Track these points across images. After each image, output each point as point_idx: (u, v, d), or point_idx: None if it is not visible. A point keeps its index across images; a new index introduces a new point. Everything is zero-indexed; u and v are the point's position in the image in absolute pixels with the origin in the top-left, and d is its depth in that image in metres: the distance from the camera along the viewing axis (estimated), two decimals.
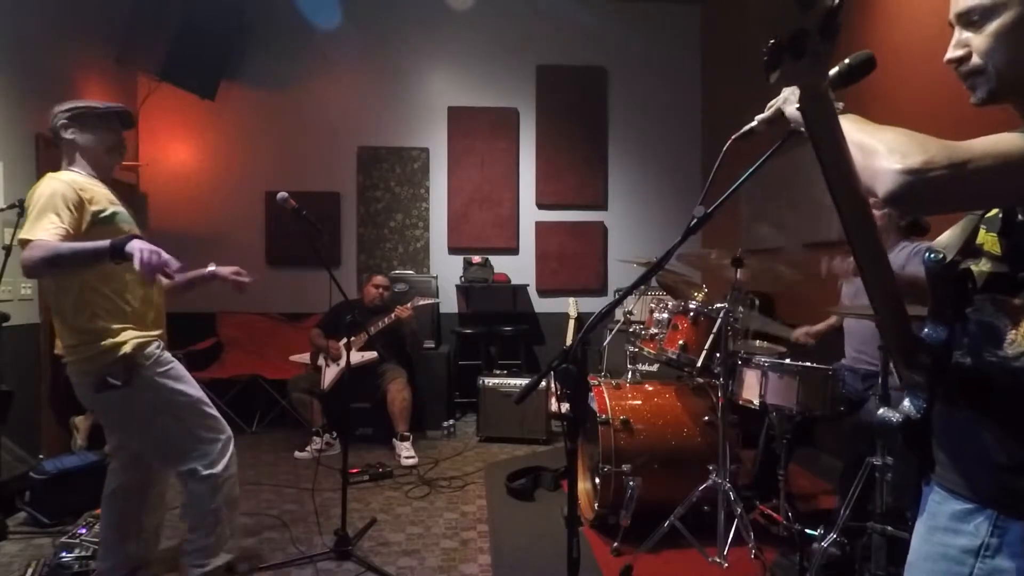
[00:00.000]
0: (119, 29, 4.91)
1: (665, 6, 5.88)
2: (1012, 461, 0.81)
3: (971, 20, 0.87)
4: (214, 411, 2.30)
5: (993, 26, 0.85)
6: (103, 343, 2.02)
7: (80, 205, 2.00)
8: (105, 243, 1.83)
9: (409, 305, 4.46)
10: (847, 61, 0.99)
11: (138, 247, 1.78)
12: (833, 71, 1.00)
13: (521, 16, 5.78)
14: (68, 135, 2.11)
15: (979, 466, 0.85)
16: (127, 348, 2.05)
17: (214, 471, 2.17)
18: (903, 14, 3.33)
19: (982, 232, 0.92)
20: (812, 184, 4.09)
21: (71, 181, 2.03)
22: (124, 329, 2.08)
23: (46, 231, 1.89)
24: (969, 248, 0.93)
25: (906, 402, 0.91)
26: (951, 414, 0.89)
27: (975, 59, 0.88)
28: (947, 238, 0.97)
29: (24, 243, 1.88)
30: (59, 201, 1.94)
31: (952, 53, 0.91)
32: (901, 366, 0.92)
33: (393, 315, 4.40)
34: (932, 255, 0.92)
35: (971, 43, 0.88)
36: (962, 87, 0.94)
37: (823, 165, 0.76)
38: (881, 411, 0.93)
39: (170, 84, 4.94)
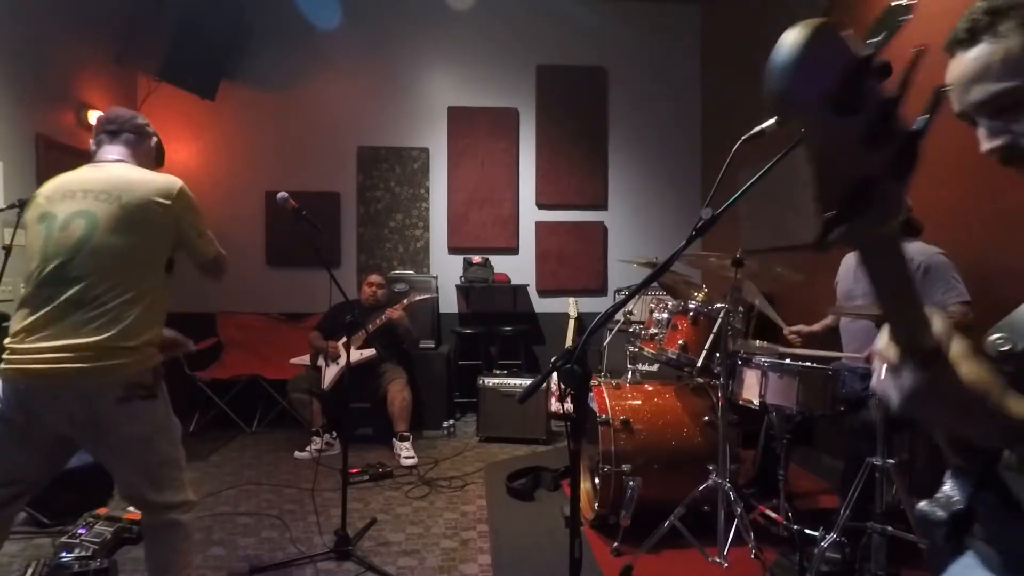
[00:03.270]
0: (119, 29, 4.91)
1: (665, 6, 5.88)
2: None
3: (1002, 107, 0.77)
4: None
5: None
6: (147, 350, 1.93)
7: None
8: None
9: (399, 305, 4.46)
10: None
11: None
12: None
13: (521, 16, 5.78)
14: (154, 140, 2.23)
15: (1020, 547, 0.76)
16: (160, 357, 2.00)
17: (191, 505, 2.02)
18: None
19: None
20: (811, 185, 4.09)
21: None
22: (159, 337, 2.05)
23: None
24: None
25: (948, 487, 0.80)
26: (997, 497, 0.78)
27: None
28: (1020, 317, 0.78)
29: (219, 261, 2.12)
30: None
31: (992, 143, 0.79)
32: (946, 447, 0.80)
33: (384, 316, 4.40)
34: (998, 341, 0.75)
35: (1014, 128, 0.77)
36: None
37: (886, 311, 0.61)
38: (922, 505, 0.79)
39: (170, 84, 4.94)
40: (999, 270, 2.60)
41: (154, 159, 2.24)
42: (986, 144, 0.80)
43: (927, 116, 0.49)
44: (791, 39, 0.41)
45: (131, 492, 1.96)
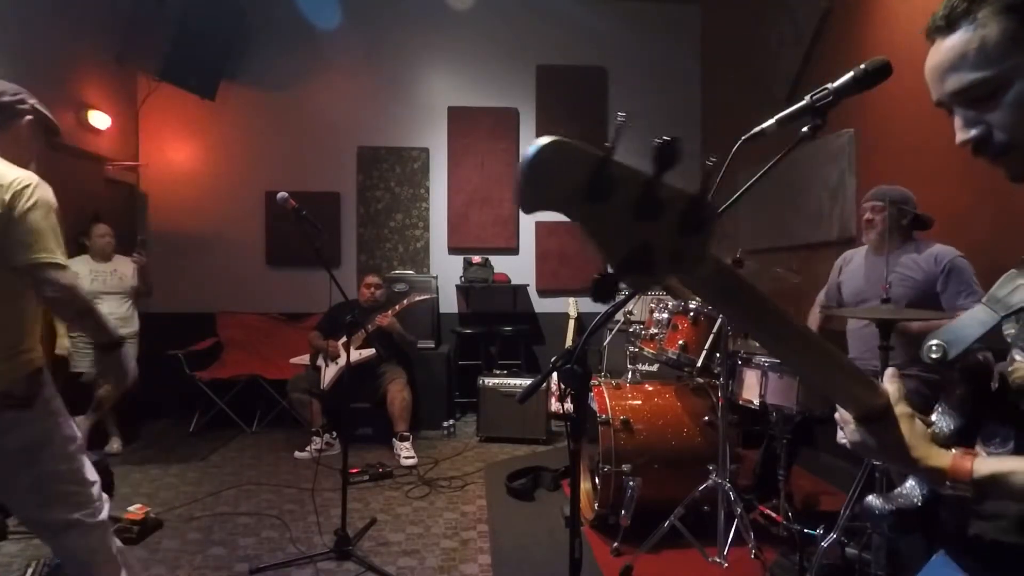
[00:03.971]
0: (119, 29, 4.91)
1: (665, 6, 5.88)
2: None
3: (976, 97, 0.76)
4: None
5: (1011, 96, 0.73)
6: (24, 356, 1.68)
7: None
8: (114, 332, 1.72)
9: (389, 312, 4.45)
10: (863, 66, 0.98)
11: (128, 360, 1.74)
12: (848, 76, 0.99)
13: (521, 16, 5.78)
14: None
15: (998, 548, 0.79)
16: (39, 362, 1.72)
17: (101, 517, 1.79)
18: (909, 16, 3.33)
19: None
20: (811, 185, 4.10)
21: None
22: (35, 342, 1.76)
23: (64, 253, 1.66)
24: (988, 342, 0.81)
25: (908, 484, 0.85)
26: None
27: (1000, 136, 0.76)
28: (960, 329, 0.82)
29: (48, 267, 1.60)
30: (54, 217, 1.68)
31: (967, 134, 0.78)
32: None
33: (375, 323, 4.38)
34: (932, 348, 0.80)
35: (987, 119, 0.76)
36: None
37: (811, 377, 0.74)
38: (870, 498, 0.86)
39: (170, 84, 4.94)
40: (1008, 271, 2.59)
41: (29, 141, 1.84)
42: (960, 135, 0.79)
43: (710, 182, 0.59)
44: (527, 155, 0.50)
45: (21, 513, 1.82)
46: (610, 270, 0.57)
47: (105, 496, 1.85)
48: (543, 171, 0.52)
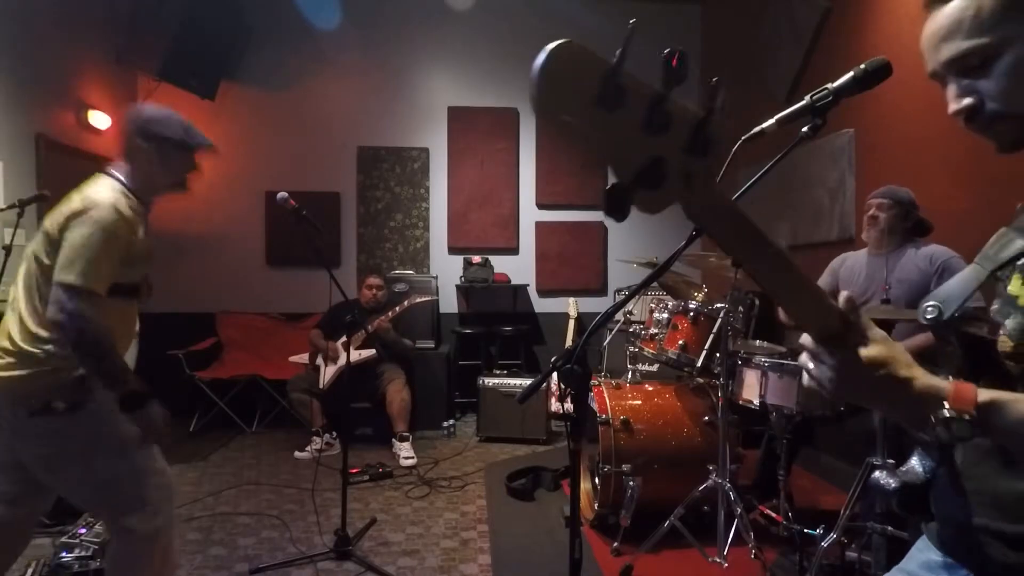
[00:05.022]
0: (119, 29, 4.91)
1: (665, 6, 5.88)
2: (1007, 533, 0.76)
3: (969, 66, 0.76)
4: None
5: (1003, 65, 0.73)
6: (58, 361, 1.67)
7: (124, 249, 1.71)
8: (130, 384, 1.68)
9: (385, 318, 4.45)
10: (863, 67, 0.98)
11: (156, 416, 1.71)
12: (848, 76, 0.99)
13: (521, 16, 5.78)
14: (145, 144, 1.84)
15: (969, 528, 0.80)
16: (77, 371, 1.70)
17: (156, 523, 1.81)
18: (909, 16, 3.33)
19: (1017, 281, 0.79)
20: (811, 185, 4.10)
21: (125, 209, 1.72)
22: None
23: (99, 281, 1.63)
24: (979, 301, 0.80)
25: (914, 461, 0.84)
26: (948, 473, 0.83)
27: (991, 105, 0.75)
28: (952, 287, 0.82)
29: (68, 288, 1.58)
30: (113, 246, 1.66)
31: (959, 104, 0.78)
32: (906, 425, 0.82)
33: (373, 325, 4.36)
34: (928, 308, 0.80)
35: (979, 88, 0.76)
36: None
37: (776, 295, 0.68)
38: (877, 474, 0.87)
39: (170, 84, 4.93)
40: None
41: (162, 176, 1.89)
42: (953, 105, 0.79)
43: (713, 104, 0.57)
44: (540, 55, 0.49)
45: (89, 509, 1.92)
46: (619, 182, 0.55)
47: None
48: (557, 73, 0.50)
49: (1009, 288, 0.79)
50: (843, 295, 0.69)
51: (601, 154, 0.54)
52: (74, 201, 1.70)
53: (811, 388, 0.73)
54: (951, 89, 0.79)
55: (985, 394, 0.67)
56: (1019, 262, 0.79)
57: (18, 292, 1.73)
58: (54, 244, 1.66)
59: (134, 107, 1.93)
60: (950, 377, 0.70)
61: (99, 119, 4.71)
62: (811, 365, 0.72)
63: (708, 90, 0.59)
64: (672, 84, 0.54)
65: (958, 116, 0.79)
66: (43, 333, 1.67)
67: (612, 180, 0.56)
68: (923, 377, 0.69)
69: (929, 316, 0.80)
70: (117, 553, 1.81)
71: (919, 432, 0.77)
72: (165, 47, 4.82)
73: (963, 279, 0.82)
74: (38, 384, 1.66)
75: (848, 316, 0.68)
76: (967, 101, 0.77)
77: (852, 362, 0.68)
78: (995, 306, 0.81)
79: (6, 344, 1.68)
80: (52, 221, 1.69)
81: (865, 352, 0.68)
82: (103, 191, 1.72)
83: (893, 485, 0.83)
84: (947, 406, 0.66)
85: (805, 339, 0.71)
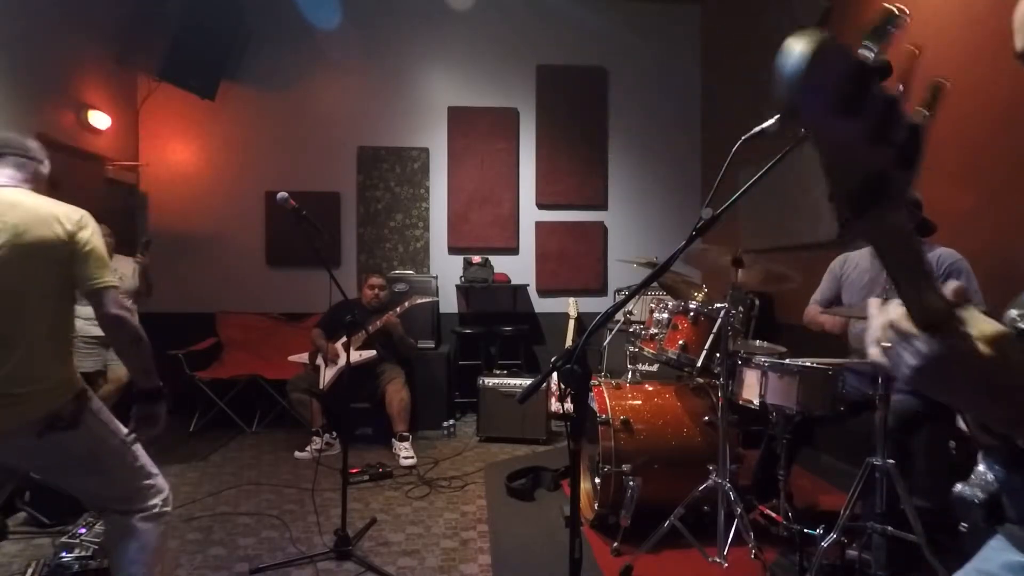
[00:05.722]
0: (119, 29, 4.91)
1: (665, 6, 5.88)
2: None
3: None
4: None
5: None
6: (58, 382, 1.78)
7: None
8: (156, 379, 1.86)
9: (393, 313, 4.46)
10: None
11: (161, 414, 1.86)
12: None
13: (521, 16, 5.78)
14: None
15: None
16: (80, 384, 1.83)
17: (168, 508, 1.97)
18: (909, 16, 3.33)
19: None
20: (811, 185, 4.10)
21: None
22: (73, 368, 1.89)
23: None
24: None
25: (981, 468, 0.79)
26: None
27: None
28: None
29: (111, 290, 1.76)
30: None
31: None
32: (974, 426, 0.77)
33: (379, 322, 4.39)
34: (1018, 317, 0.74)
35: None
36: (975, 81, 0.83)
37: (902, 287, 0.61)
38: (959, 487, 0.79)
39: (170, 84, 4.94)
40: (1017, 274, 2.58)
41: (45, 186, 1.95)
42: None
43: (927, 110, 0.52)
44: (798, 50, 0.44)
45: (94, 505, 1.99)
46: (841, 208, 0.50)
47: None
48: (821, 71, 0.44)
49: None
50: (951, 284, 0.62)
51: (825, 162, 0.49)
52: (62, 213, 1.77)
53: (885, 364, 0.65)
54: None
55: None
56: None
57: (16, 328, 1.73)
58: (64, 256, 1.74)
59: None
60: None
61: (99, 119, 4.71)
62: (893, 346, 0.64)
63: (933, 91, 0.54)
64: (909, 84, 0.48)
65: None
66: (55, 361, 1.78)
67: (835, 202, 0.51)
68: None
69: (1020, 326, 0.74)
70: (144, 537, 1.89)
71: (984, 434, 0.72)
72: (165, 47, 4.83)
73: None
74: (44, 410, 1.73)
75: (953, 306, 0.61)
76: None
77: (959, 348, 0.60)
78: None
79: (13, 387, 1.70)
80: (49, 234, 1.72)
81: (972, 341, 0.60)
82: (51, 201, 1.81)
83: (981, 497, 0.76)
84: None
85: (895, 317, 0.63)
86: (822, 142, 0.47)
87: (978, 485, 0.76)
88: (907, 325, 0.62)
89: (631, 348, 3.41)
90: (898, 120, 0.46)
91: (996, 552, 0.85)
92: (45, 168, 1.92)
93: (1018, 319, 0.73)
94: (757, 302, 3.07)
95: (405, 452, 4.15)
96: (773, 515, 2.74)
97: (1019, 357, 0.60)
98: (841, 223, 0.50)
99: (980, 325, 0.60)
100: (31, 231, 1.70)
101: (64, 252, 1.74)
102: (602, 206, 5.88)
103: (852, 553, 2.26)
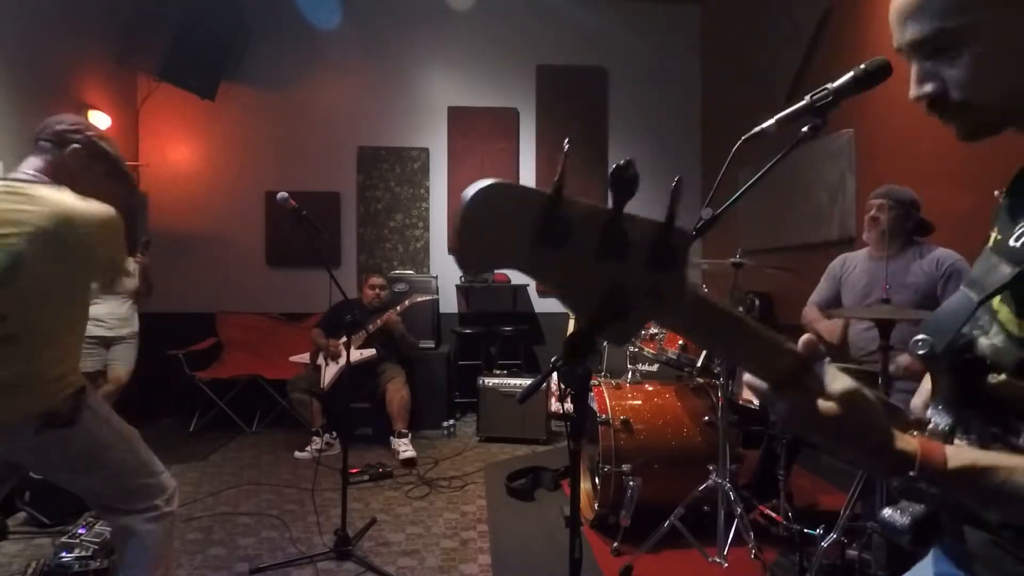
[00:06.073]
0: (119, 29, 4.91)
1: (665, 6, 5.88)
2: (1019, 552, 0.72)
3: (937, 48, 0.70)
4: None
5: (972, 53, 0.67)
6: (59, 380, 1.74)
7: None
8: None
9: (393, 311, 4.46)
10: (863, 67, 0.97)
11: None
12: (848, 76, 0.98)
13: (521, 16, 5.78)
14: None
15: (980, 543, 0.76)
16: (81, 382, 1.79)
17: (172, 507, 1.94)
18: None
19: (997, 303, 0.75)
20: (811, 185, 4.10)
21: None
22: (76, 366, 1.85)
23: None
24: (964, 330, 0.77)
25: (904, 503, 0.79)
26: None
27: (956, 95, 0.70)
28: (942, 318, 0.77)
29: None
30: None
31: (920, 89, 0.72)
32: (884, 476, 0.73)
33: (381, 320, 4.39)
34: (919, 343, 0.75)
35: (944, 75, 0.70)
36: None
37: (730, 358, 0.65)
38: (886, 511, 0.78)
39: (170, 84, 4.94)
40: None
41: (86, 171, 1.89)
42: (914, 89, 0.73)
43: (672, 203, 0.52)
44: (461, 204, 0.43)
45: (96, 504, 1.97)
46: (582, 324, 0.49)
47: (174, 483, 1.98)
48: (484, 221, 0.43)
49: (999, 317, 0.74)
50: (802, 339, 0.63)
51: (556, 294, 0.49)
52: (80, 210, 1.75)
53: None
54: (914, 72, 0.73)
55: (959, 457, 0.63)
56: (1006, 291, 0.73)
57: (24, 325, 1.70)
58: (80, 255, 1.75)
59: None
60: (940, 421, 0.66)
61: (99, 119, 4.71)
62: (777, 411, 0.66)
63: (671, 192, 0.54)
64: (622, 199, 0.47)
65: (919, 102, 0.74)
66: (63, 358, 1.77)
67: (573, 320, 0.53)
68: (893, 440, 0.63)
69: (921, 352, 0.75)
70: (146, 539, 1.87)
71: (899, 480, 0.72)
72: (165, 47, 4.83)
73: (953, 308, 0.77)
74: (43, 406, 1.71)
75: (805, 360, 0.63)
76: (928, 88, 0.72)
77: (804, 406, 0.63)
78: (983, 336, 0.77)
79: (12, 381, 1.68)
80: (65, 232, 1.71)
81: (821, 402, 0.62)
82: (63, 194, 1.77)
83: (905, 523, 0.76)
84: (913, 473, 0.62)
85: (749, 379, 0.65)
86: (544, 274, 0.47)
87: (905, 509, 0.76)
88: (758, 383, 0.65)
89: (631, 348, 3.41)
90: (620, 234, 0.47)
91: (930, 564, 0.86)
92: (73, 156, 1.81)
93: (920, 345, 0.74)
94: (757, 302, 3.07)
95: (404, 446, 4.15)
96: (773, 515, 2.74)
97: (866, 409, 0.63)
98: (576, 343, 0.50)
99: (831, 383, 0.62)
100: (46, 228, 1.66)
101: (79, 251, 1.72)
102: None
103: (852, 553, 2.25)
